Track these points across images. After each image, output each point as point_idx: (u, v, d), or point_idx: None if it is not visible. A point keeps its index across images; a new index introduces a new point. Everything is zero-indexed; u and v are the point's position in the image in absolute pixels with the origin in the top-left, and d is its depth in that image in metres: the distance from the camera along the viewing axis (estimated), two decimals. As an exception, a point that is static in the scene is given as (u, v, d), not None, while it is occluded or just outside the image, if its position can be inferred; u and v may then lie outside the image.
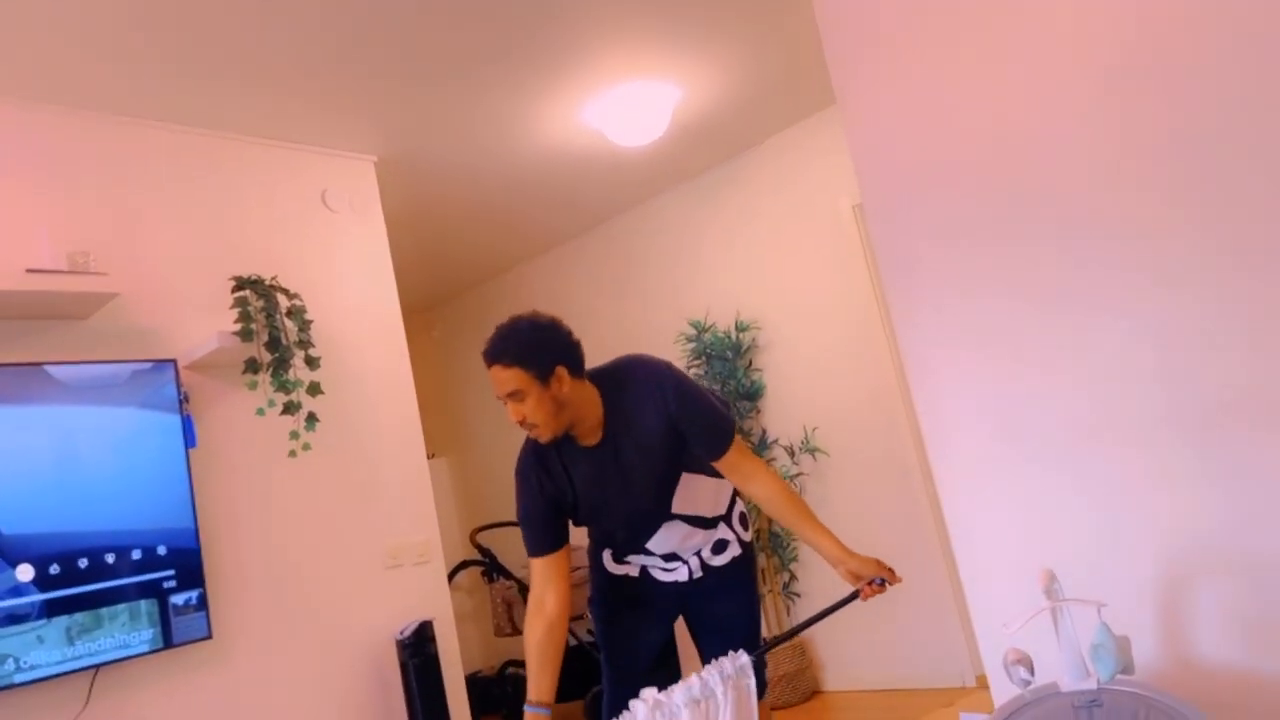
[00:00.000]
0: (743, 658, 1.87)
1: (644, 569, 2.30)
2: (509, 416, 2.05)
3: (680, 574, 2.27)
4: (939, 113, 2.35)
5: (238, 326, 2.95)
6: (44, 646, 2.48)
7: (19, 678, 2.43)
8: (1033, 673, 1.78)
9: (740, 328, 4.58)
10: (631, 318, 5.01)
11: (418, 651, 3.17)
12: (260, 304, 3.02)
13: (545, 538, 2.13)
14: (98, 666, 2.58)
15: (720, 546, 2.28)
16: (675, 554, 2.26)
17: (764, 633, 2.58)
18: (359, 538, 3.32)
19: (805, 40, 3.52)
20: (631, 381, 2.15)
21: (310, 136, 3.54)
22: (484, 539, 4.97)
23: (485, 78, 3.37)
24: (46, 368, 2.65)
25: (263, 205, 3.41)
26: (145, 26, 2.69)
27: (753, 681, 1.87)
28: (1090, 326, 2.09)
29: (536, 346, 2.03)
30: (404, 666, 3.19)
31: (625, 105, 3.75)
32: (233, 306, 2.98)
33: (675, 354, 4.63)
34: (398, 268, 3.80)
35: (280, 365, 3.00)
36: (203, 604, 2.79)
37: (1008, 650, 1.80)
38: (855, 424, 4.24)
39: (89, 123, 3.05)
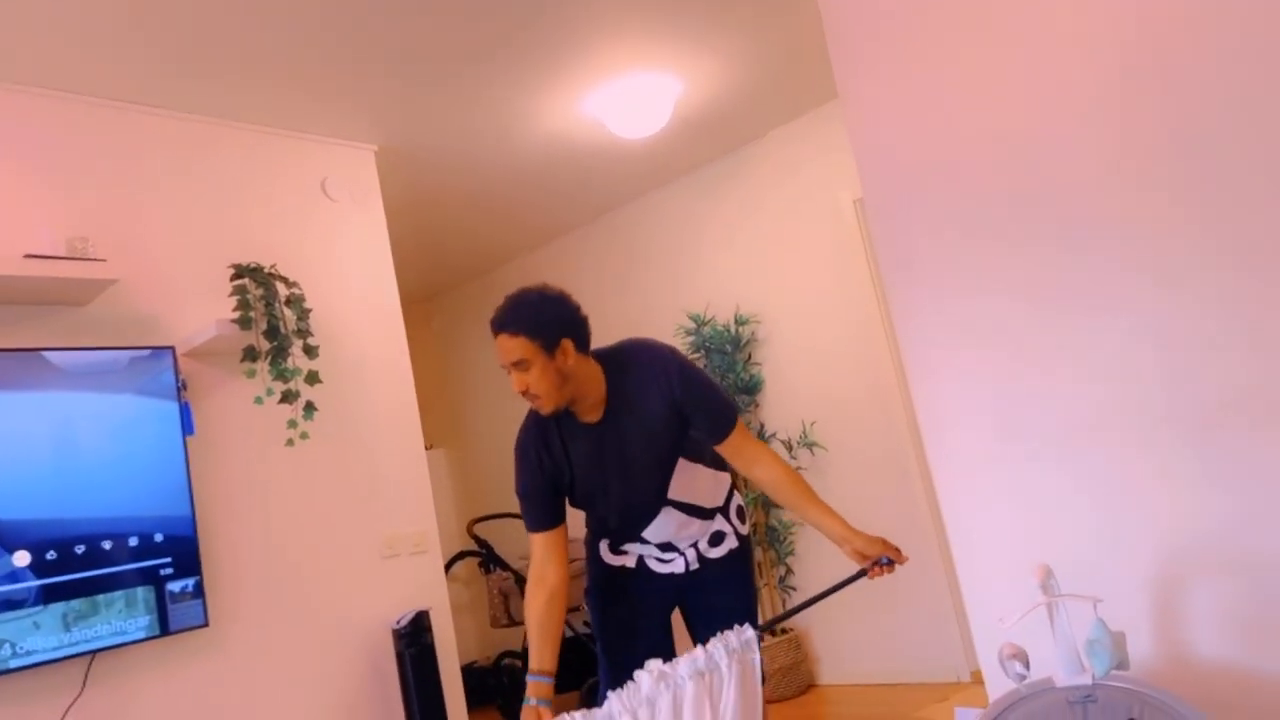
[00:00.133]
0: (748, 632, 1.86)
1: (640, 560, 2.30)
2: (512, 386, 2.05)
3: (677, 566, 2.27)
4: (941, 110, 2.34)
5: (236, 314, 2.95)
6: (40, 632, 2.48)
7: (15, 663, 2.44)
8: (1028, 668, 1.78)
9: (740, 321, 4.58)
10: (631, 310, 5.01)
11: (414, 641, 3.17)
12: (259, 292, 3.02)
13: (545, 514, 2.14)
14: (94, 653, 2.59)
15: (717, 538, 2.28)
16: (671, 544, 2.26)
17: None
18: (356, 527, 3.32)
19: (808, 34, 3.51)
20: (635, 363, 2.15)
21: (311, 125, 3.53)
22: (481, 530, 4.98)
23: (487, 68, 3.36)
24: (45, 353, 2.65)
25: (262, 193, 3.41)
26: (147, 14, 2.68)
27: (758, 657, 1.85)
28: (1090, 325, 2.09)
29: (544, 317, 2.03)
30: (400, 656, 3.19)
31: (627, 97, 3.74)
32: (231, 294, 2.98)
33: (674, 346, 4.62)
34: (397, 258, 3.80)
35: (279, 354, 2.99)
36: (199, 591, 2.79)
37: (1003, 645, 1.81)
38: (853, 419, 4.25)
39: (89, 109, 3.05)
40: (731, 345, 4.56)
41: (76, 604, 2.55)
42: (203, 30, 2.82)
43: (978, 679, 3.75)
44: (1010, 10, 2.20)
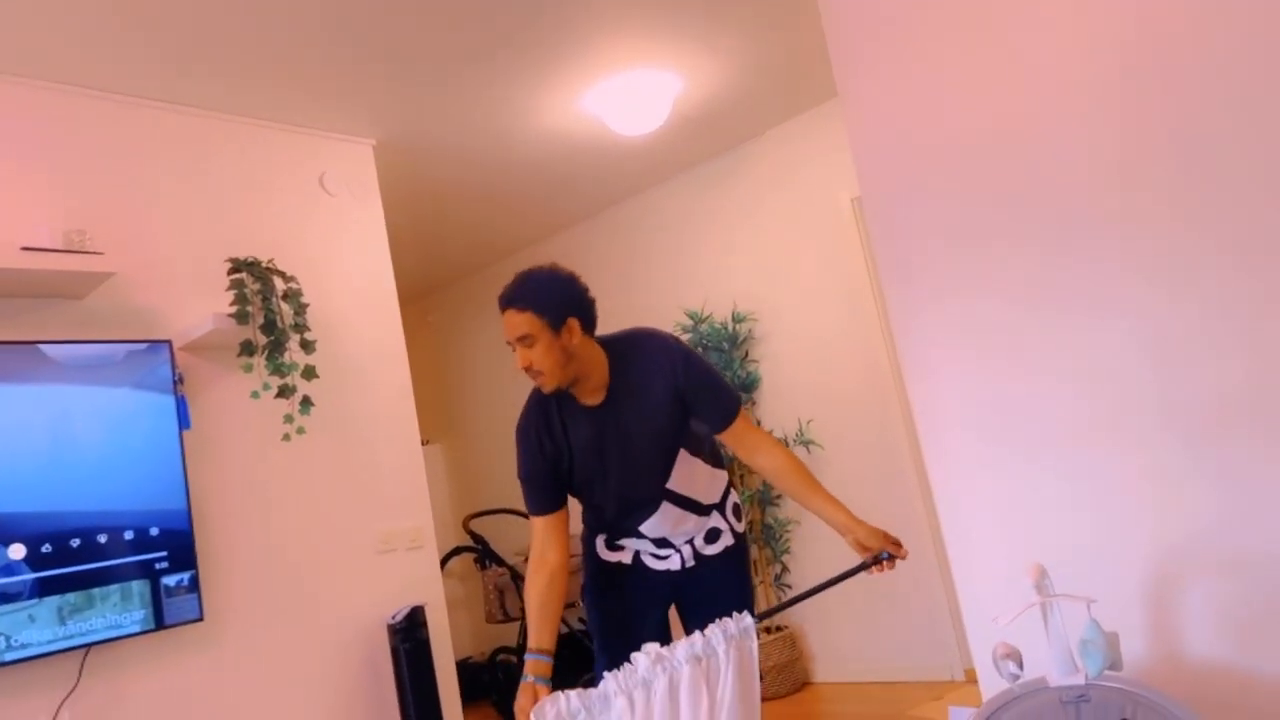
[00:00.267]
0: (746, 619, 1.86)
1: (637, 556, 2.31)
2: (516, 362, 2.06)
3: (673, 562, 2.28)
4: (940, 110, 2.34)
5: (233, 309, 2.95)
6: (35, 625, 2.48)
7: (9, 656, 2.43)
8: (1021, 667, 1.79)
9: (737, 319, 4.59)
10: (628, 306, 5.01)
11: (409, 637, 3.18)
12: (256, 286, 3.01)
13: (546, 498, 2.15)
14: (89, 646, 2.58)
15: (713, 535, 2.29)
16: (667, 540, 2.26)
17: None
18: (352, 522, 3.32)
19: (808, 33, 3.51)
20: (640, 349, 2.16)
21: (309, 119, 3.53)
22: (477, 526, 4.98)
23: (486, 64, 3.35)
24: (41, 347, 2.65)
25: (260, 187, 3.40)
26: (146, 8, 2.67)
27: (755, 644, 1.85)
28: (1087, 327, 2.10)
29: (552, 294, 2.04)
30: (395, 651, 3.19)
31: (626, 94, 3.74)
32: (229, 288, 2.97)
33: (671, 344, 4.62)
34: (395, 253, 3.79)
35: (275, 348, 2.99)
36: (194, 586, 2.79)
37: (997, 644, 1.81)
38: (850, 417, 4.25)
39: (88, 102, 3.04)
40: (729, 342, 4.56)
41: (71, 597, 2.55)
42: (202, 24, 2.82)
43: (971, 678, 3.75)
44: (1010, 11, 2.21)
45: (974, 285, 2.29)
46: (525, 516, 5.16)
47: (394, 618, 3.21)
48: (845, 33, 2.55)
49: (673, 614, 2.37)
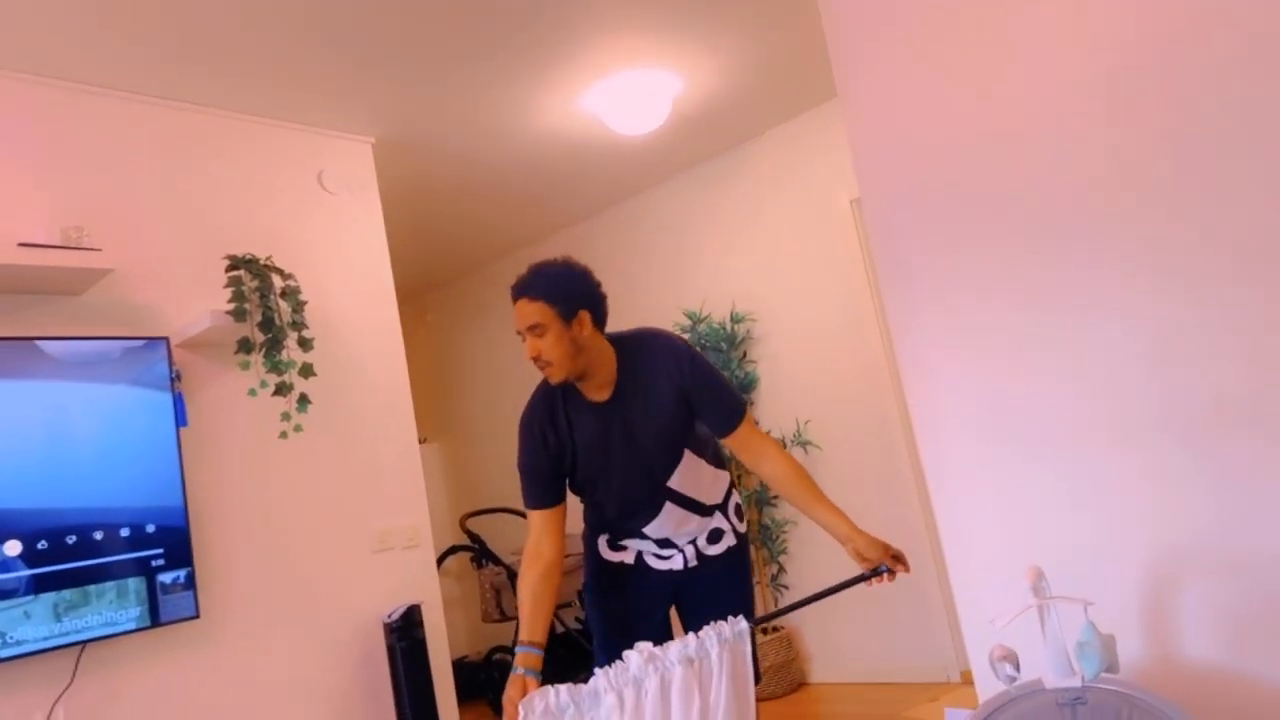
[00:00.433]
0: (741, 623, 1.85)
1: (639, 556, 2.30)
2: (525, 353, 2.07)
3: (675, 562, 2.28)
4: (940, 111, 2.34)
5: (231, 306, 2.94)
6: (31, 622, 2.48)
7: (5, 653, 2.43)
8: (1018, 669, 1.78)
9: (735, 319, 4.59)
10: (627, 306, 4.99)
11: (405, 635, 3.17)
12: (254, 284, 3.01)
13: (544, 492, 2.15)
14: (84, 643, 2.58)
15: (716, 536, 2.29)
16: (669, 540, 2.26)
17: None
18: (349, 520, 3.32)
19: (807, 33, 3.51)
20: (648, 348, 2.17)
21: (308, 117, 3.52)
22: (474, 525, 4.98)
23: (486, 62, 3.35)
24: (38, 343, 2.64)
25: (259, 185, 3.40)
26: (144, 3, 2.67)
27: (749, 648, 1.85)
28: (1086, 328, 2.10)
29: (566, 286, 2.06)
30: (391, 650, 3.19)
31: (625, 94, 3.74)
32: (226, 286, 2.97)
33: (669, 344, 4.62)
34: (393, 251, 3.79)
35: (273, 346, 2.99)
36: (190, 583, 2.78)
37: (994, 646, 1.81)
38: (847, 418, 4.25)
39: (87, 98, 3.03)
40: (727, 343, 4.56)
41: (67, 594, 2.55)
42: (201, 21, 2.81)
43: (968, 679, 3.75)
44: (1010, 13, 2.21)
45: (973, 286, 2.29)
46: (522, 515, 5.17)
47: (390, 616, 3.21)
48: (845, 33, 2.55)
49: (673, 614, 2.36)
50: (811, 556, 4.34)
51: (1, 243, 2.63)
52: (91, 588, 2.59)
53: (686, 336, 4.60)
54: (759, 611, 4.30)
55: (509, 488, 5.47)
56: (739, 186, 4.65)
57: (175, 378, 2.89)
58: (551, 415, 2.15)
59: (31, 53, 2.81)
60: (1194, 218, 1.94)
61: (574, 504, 2.25)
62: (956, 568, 2.37)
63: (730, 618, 1.87)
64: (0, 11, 2.59)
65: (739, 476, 4.40)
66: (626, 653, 1.77)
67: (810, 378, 4.38)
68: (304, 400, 3.05)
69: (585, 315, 2.06)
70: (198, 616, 2.80)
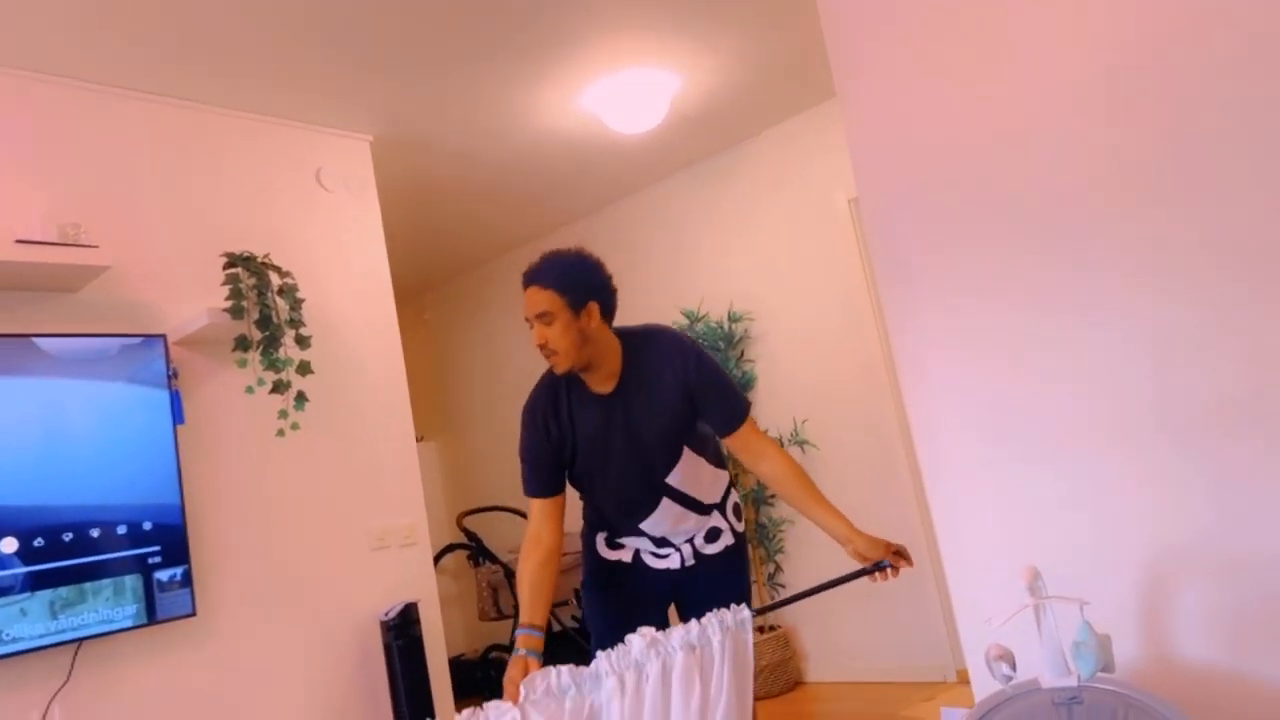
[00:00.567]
0: (744, 612, 1.85)
1: (637, 555, 2.31)
2: (533, 340, 2.08)
3: (672, 561, 2.28)
4: (939, 111, 2.34)
5: (228, 303, 2.94)
6: (27, 619, 2.47)
7: (1, 650, 2.43)
8: (1014, 669, 1.79)
9: (733, 318, 4.59)
10: (625, 305, 4.95)
11: (402, 633, 3.17)
12: (252, 281, 3.01)
13: (545, 481, 2.16)
14: (81, 640, 2.58)
15: (713, 535, 2.29)
16: (667, 539, 2.26)
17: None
18: (346, 518, 3.32)
19: (806, 33, 3.51)
20: (655, 344, 2.19)
21: (306, 114, 3.52)
22: (471, 523, 4.98)
23: (484, 60, 3.35)
24: (35, 340, 2.64)
25: (257, 182, 3.40)
26: (143, 0, 2.67)
27: (750, 637, 1.85)
28: (1084, 328, 2.10)
29: (577, 276, 2.08)
30: (388, 648, 3.19)
31: (624, 92, 3.74)
32: (224, 283, 2.96)
33: (667, 343, 4.62)
34: (391, 249, 3.79)
35: (270, 343, 2.98)
36: (187, 580, 2.78)
37: (990, 646, 1.81)
38: (845, 417, 4.25)
39: (84, 95, 3.03)
40: (725, 342, 4.56)
41: (64, 591, 2.55)
42: (200, 18, 2.81)
43: (964, 679, 3.76)
44: (1010, 13, 2.21)
45: (971, 286, 2.29)
46: (519, 514, 5.17)
47: (387, 614, 3.21)
48: (844, 32, 2.55)
49: (672, 613, 2.36)
50: (808, 556, 4.34)
51: (-2, 239, 2.63)
52: (88, 585, 2.59)
53: (684, 335, 4.61)
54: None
55: (506, 486, 5.48)
56: (737, 186, 4.65)
57: (172, 375, 2.88)
58: (554, 404, 2.16)
59: (29, 49, 2.81)
60: (1194, 218, 1.94)
61: (573, 503, 2.25)
62: (953, 567, 2.37)
63: (734, 606, 1.87)
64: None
65: (736, 476, 4.40)
66: (629, 636, 1.77)
67: (808, 377, 4.38)
68: (301, 398, 3.04)
69: (594, 306, 2.08)
70: (194, 614, 2.79)
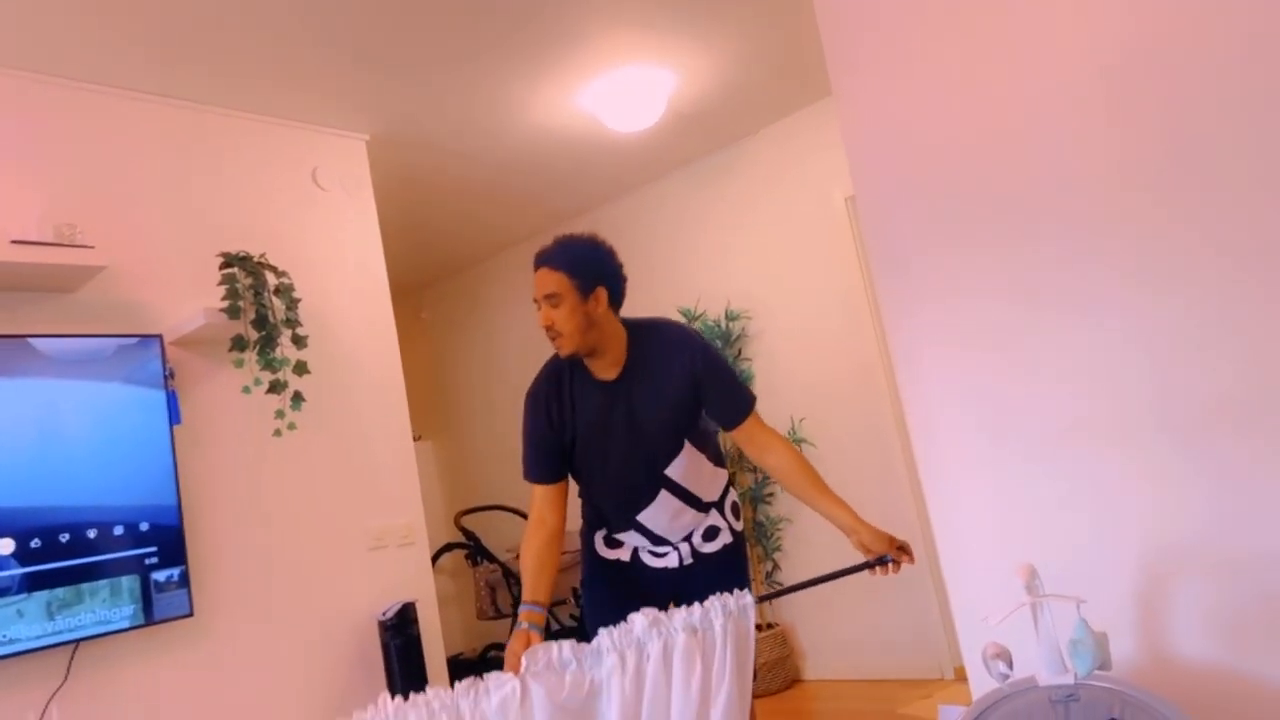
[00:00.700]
0: (746, 598, 1.85)
1: (635, 553, 2.31)
2: (539, 321, 2.09)
3: (670, 560, 2.28)
4: (935, 109, 2.34)
5: (225, 303, 2.94)
6: (24, 620, 2.47)
7: (-2, 651, 2.43)
8: (1011, 667, 1.79)
9: (730, 317, 4.59)
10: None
11: (400, 633, 3.17)
12: (248, 281, 3.00)
13: (546, 467, 2.17)
14: (78, 641, 2.57)
15: (712, 533, 2.29)
16: (664, 538, 2.26)
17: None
18: (343, 518, 3.32)
19: (802, 31, 3.50)
20: (660, 335, 2.20)
21: (302, 114, 3.51)
22: (469, 522, 4.98)
23: (480, 59, 3.35)
24: (31, 340, 2.63)
25: (253, 182, 3.39)
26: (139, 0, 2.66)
27: (752, 623, 1.85)
28: (1082, 326, 2.10)
29: (588, 261, 2.10)
30: (386, 647, 3.19)
31: (621, 90, 3.74)
32: (220, 283, 2.96)
33: (664, 342, 4.62)
34: (388, 249, 3.78)
35: (267, 343, 2.98)
36: (184, 581, 2.78)
37: (987, 644, 1.82)
38: (842, 416, 4.26)
39: (80, 95, 3.02)
40: (722, 340, 4.56)
41: (61, 592, 2.54)
42: (195, 17, 2.80)
43: (961, 676, 3.77)
44: (1007, 11, 2.20)
45: (968, 284, 2.29)
46: (517, 514, 5.16)
47: (385, 614, 3.21)
48: (840, 30, 2.55)
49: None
50: (806, 554, 4.35)
51: (-6, 240, 2.62)
52: (85, 586, 2.59)
53: (681, 334, 4.61)
54: (755, 613, 4.31)
55: (504, 485, 5.47)
56: (734, 184, 4.65)
57: (169, 375, 2.88)
58: (558, 390, 2.18)
59: (25, 49, 2.80)
60: (1193, 216, 1.94)
61: (573, 503, 2.25)
62: (950, 565, 2.38)
63: (736, 591, 1.87)
64: (-8, 7, 2.58)
65: (734, 475, 4.41)
66: (631, 615, 1.78)
67: (805, 375, 4.38)
68: (298, 398, 3.04)
69: (602, 292, 2.10)
70: (191, 614, 2.79)
